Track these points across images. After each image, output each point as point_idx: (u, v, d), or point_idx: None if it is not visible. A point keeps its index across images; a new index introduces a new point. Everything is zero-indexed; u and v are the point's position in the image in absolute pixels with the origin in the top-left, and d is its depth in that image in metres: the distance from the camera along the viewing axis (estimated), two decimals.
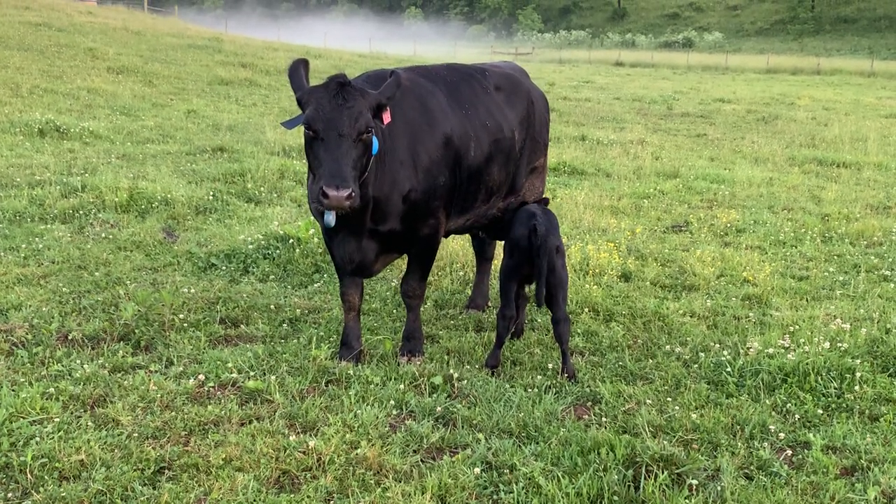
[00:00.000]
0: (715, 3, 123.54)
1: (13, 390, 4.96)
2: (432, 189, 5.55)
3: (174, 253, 8.31)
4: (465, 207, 6.00)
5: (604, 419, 4.96)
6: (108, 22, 35.73)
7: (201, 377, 5.29)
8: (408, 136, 5.47)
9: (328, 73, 5.66)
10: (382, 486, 4.18)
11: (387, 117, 5.13)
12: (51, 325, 6.06)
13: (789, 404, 5.16)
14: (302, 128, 4.93)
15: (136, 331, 6.07)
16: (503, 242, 6.36)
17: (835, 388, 5.30)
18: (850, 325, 6.34)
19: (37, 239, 8.47)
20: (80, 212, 9.55)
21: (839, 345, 5.76)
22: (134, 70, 25.16)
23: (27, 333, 5.92)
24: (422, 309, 6.54)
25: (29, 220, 9.24)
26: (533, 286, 5.88)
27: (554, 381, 5.50)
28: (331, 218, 5.05)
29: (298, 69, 5.15)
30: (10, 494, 4.01)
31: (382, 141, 5.29)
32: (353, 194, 4.71)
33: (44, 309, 6.47)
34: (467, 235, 7.64)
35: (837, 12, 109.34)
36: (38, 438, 4.42)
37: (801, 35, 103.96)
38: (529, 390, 5.35)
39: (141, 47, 30.29)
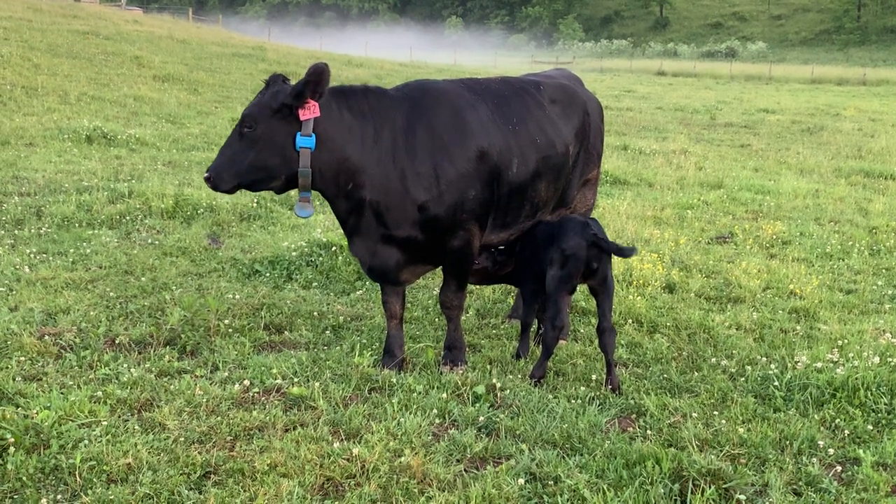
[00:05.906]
0: (759, 13, 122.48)
1: (62, 393, 5.03)
2: (459, 202, 5.48)
3: (219, 259, 8.40)
4: (506, 222, 5.89)
5: (649, 432, 4.90)
6: (154, 30, 36.26)
7: (246, 382, 5.34)
8: (432, 147, 5.43)
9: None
10: (426, 494, 4.17)
11: (306, 113, 5.21)
12: (98, 329, 6.15)
13: (838, 419, 5.07)
14: None
15: (182, 336, 6.14)
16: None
17: (885, 404, 5.19)
18: None
19: (84, 244, 8.60)
20: (127, 217, 9.69)
21: (889, 360, 5.64)
22: (179, 78, 25.50)
23: (75, 337, 6.01)
24: (464, 318, 6.53)
25: (77, 225, 9.39)
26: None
27: (597, 393, 5.45)
28: (296, 209, 5.56)
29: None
30: (59, 496, 4.06)
31: (392, 148, 5.37)
32: (211, 177, 5.26)
33: (91, 313, 6.56)
34: None
35: (884, 22, 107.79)
36: (86, 441, 4.47)
37: (846, 45, 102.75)
38: (573, 401, 5.31)
39: (186, 56, 30.70)
